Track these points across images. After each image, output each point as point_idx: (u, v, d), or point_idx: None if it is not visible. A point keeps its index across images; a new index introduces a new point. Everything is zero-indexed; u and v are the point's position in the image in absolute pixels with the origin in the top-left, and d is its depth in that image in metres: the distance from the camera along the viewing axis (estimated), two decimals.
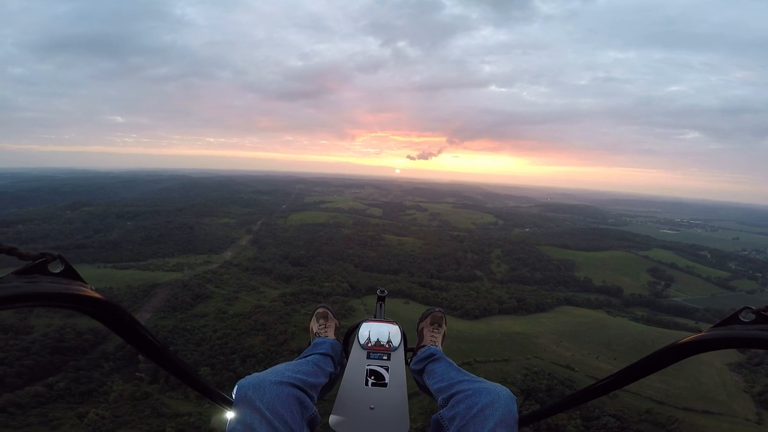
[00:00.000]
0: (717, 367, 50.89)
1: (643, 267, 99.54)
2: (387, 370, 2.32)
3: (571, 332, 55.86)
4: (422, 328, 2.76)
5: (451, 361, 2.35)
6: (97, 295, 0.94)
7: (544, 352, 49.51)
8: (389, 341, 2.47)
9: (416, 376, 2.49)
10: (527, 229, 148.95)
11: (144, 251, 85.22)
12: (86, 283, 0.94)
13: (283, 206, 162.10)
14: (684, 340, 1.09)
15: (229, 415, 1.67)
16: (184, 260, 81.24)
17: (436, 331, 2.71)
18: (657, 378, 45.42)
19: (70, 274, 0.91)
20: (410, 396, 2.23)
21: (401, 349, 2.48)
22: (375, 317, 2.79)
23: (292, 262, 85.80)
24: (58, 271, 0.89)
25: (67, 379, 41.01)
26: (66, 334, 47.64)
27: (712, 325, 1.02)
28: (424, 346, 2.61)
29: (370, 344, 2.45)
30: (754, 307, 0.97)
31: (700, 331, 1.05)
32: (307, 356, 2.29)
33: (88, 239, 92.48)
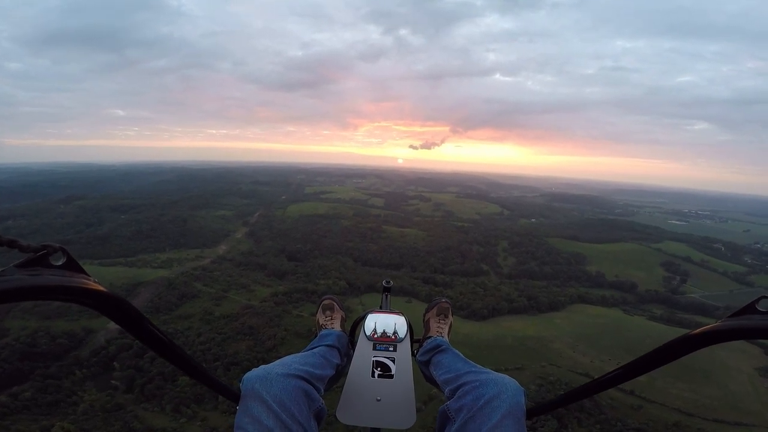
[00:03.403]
0: (747, 373, 47.28)
1: (656, 260, 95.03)
2: (393, 361, 2.30)
3: (588, 334, 51.69)
4: (428, 319, 2.73)
5: (458, 351, 2.32)
6: (100, 287, 0.93)
7: (560, 358, 45.55)
8: (395, 332, 2.44)
9: (422, 367, 2.46)
10: (533, 220, 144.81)
11: (134, 246, 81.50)
12: (89, 276, 0.93)
13: (283, 197, 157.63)
14: (698, 330, 1.04)
15: (237, 408, 1.67)
16: (175, 255, 77.38)
17: (443, 321, 2.68)
18: (685, 387, 42.22)
19: (72, 266, 0.90)
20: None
21: (407, 341, 2.45)
22: (381, 308, 2.75)
23: (289, 256, 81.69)
24: (60, 263, 0.87)
25: (33, 388, 37.45)
26: (39, 338, 44.04)
27: (727, 315, 0.98)
28: (430, 337, 2.58)
29: (376, 335, 2.42)
30: None
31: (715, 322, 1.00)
32: (314, 348, 2.26)
33: (79, 234, 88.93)
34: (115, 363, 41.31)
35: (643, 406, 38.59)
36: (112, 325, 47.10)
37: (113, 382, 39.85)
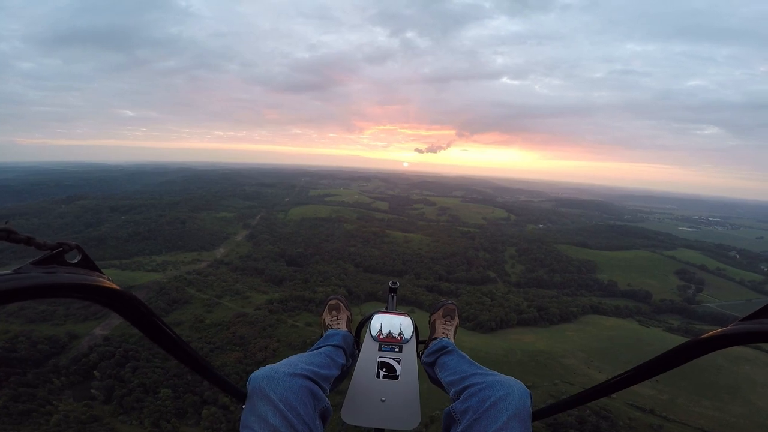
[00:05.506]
0: None
1: (669, 268, 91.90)
2: (398, 362, 2.30)
3: (603, 349, 48.37)
4: (434, 320, 2.73)
5: (464, 353, 2.29)
6: (114, 286, 0.94)
7: (574, 374, 42.25)
8: (401, 333, 2.44)
9: (428, 368, 2.45)
10: (541, 226, 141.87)
11: (130, 248, 79.44)
12: (103, 274, 0.94)
13: (286, 199, 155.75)
14: (709, 334, 1.00)
15: (243, 407, 1.68)
16: (172, 258, 75.19)
17: (449, 323, 2.68)
18: (708, 404, 39.32)
19: (87, 264, 0.91)
20: None
21: (413, 342, 2.45)
22: (387, 309, 2.73)
23: (288, 261, 79.29)
24: (75, 261, 0.88)
25: (5, 396, 34.84)
26: (19, 343, 41.66)
27: (739, 318, 0.95)
28: (436, 338, 2.57)
29: (381, 336, 2.42)
30: None
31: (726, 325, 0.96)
32: (320, 348, 2.25)
33: (76, 234, 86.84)
34: (95, 372, 38.80)
35: (663, 425, 35.46)
36: (98, 331, 44.84)
37: (92, 391, 37.33)
